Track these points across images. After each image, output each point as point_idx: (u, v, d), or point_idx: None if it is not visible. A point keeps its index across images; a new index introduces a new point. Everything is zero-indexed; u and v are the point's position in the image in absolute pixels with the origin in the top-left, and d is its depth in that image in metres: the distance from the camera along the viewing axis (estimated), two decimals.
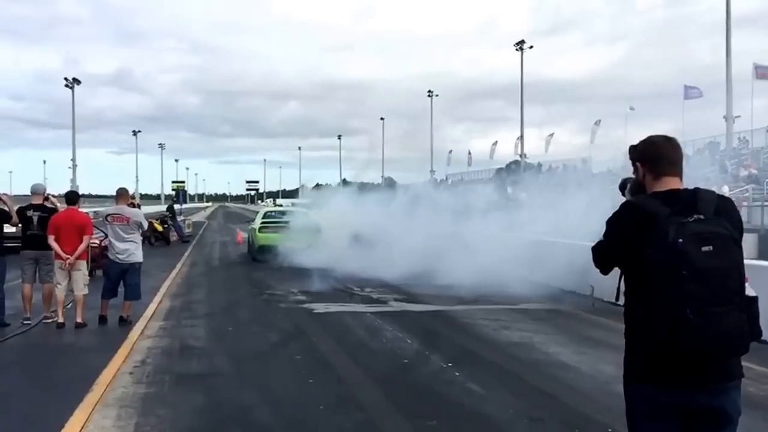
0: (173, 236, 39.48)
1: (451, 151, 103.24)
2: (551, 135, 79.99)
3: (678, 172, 4.35)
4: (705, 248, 3.90)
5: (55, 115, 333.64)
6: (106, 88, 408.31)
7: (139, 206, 23.51)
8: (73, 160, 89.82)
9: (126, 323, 14.13)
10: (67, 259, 13.80)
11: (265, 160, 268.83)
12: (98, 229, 16.94)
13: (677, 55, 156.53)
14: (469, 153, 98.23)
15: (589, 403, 9.14)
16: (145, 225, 15.23)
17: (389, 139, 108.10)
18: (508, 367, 11.00)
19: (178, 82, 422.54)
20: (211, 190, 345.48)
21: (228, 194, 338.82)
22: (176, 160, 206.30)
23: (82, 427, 8.11)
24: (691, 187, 4.27)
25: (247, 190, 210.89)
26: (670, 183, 4.29)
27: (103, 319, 14.28)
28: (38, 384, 10.14)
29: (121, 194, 15.10)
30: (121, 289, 14.57)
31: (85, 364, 11.08)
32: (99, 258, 19.07)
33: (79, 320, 13.83)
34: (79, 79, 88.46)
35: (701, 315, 3.84)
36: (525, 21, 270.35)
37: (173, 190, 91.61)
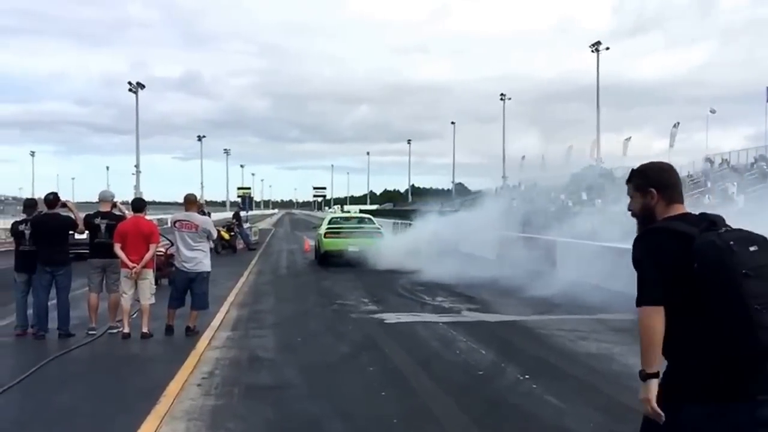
0: (240, 244, 39.46)
1: (524, 157, 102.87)
2: (628, 139, 79.32)
3: (683, 199, 4.60)
4: (752, 248, 4.09)
5: (120, 120, 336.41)
6: (172, 92, 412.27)
7: (209, 214, 23.47)
8: (137, 166, 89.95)
9: (193, 333, 13.92)
10: (134, 267, 13.64)
11: (332, 165, 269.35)
12: (164, 237, 16.78)
13: (761, 57, 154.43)
14: (543, 158, 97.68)
15: None
16: (215, 234, 14.94)
17: (462, 143, 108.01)
18: (588, 380, 10.64)
19: (246, 85, 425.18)
20: (277, 197, 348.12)
21: (294, 201, 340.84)
22: (242, 166, 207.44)
23: None
24: None
25: (314, 196, 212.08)
26: (680, 209, 4.52)
27: (169, 329, 14.06)
28: (104, 396, 9.99)
29: (190, 200, 14.74)
30: (188, 299, 14.36)
31: (151, 375, 10.94)
32: (164, 266, 18.98)
33: (144, 330, 13.70)
34: (146, 83, 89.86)
35: (765, 317, 3.92)
36: (604, 21, 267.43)
37: (239, 196, 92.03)
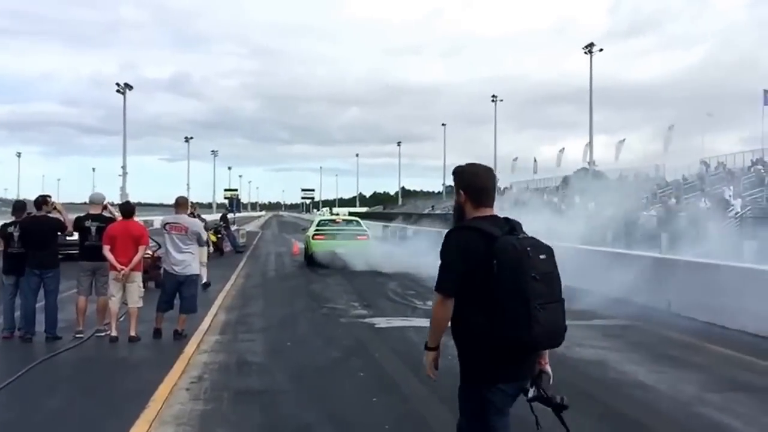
0: (227, 247, 39.30)
1: (516, 159, 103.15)
2: (622, 141, 79.00)
3: (493, 202, 5.28)
4: (542, 256, 4.91)
5: (108, 121, 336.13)
6: (162, 93, 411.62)
7: (199, 216, 23.33)
8: (124, 167, 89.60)
9: (181, 337, 13.82)
10: (122, 270, 13.53)
11: (321, 167, 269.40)
12: (151, 239, 16.67)
13: (758, 59, 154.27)
14: (535, 160, 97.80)
15: (670, 425, 8.83)
16: (204, 237, 14.91)
17: (453, 145, 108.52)
18: (583, 386, 10.45)
19: (235, 87, 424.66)
20: (264, 199, 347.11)
21: (282, 203, 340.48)
22: (229, 168, 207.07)
23: None
24: None
25: (303, 198, 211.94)
26: (488, 210, 5.21)
27: (158, 333, 13.97)
28: (93, 400, 9.91)
29: (181, 203, 14.66)
30: (176, 302, 14.24)
31: (140, 379, 10.81)
32: (151, 269, 18.87)
33: (132, 334, 13.62)
34: (136, 84, 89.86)
35: (545, 309, 4.78)
36: (600, 23, 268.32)
37: (226, 198, 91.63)
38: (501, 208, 5.37)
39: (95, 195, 15.02)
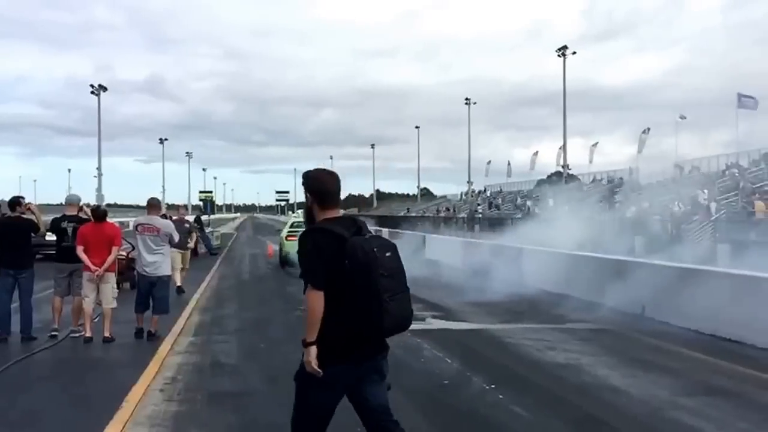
0: (201, 249, 39.16)
1: (489, 162, 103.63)
2: (595, 144, 79.37)
3: (338, 203, 5.86)
4: (387, 254, 5.51)
5: (84, 122, 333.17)
6: (137, 95, 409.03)
7: (170, 217, 23.31)
8: (99, 168, 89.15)
9: (154, 338, 13.89)
10: (96, 271, 13.51)
11: (295, 169, 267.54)
12: (125, 240, 16.64)
13: (733, 63, 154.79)
14: (509, 163, 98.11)
15: (643, 429, 8.86)
16: (176, 237, 14.88)
17: (427, 148, 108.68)
18: (555, 390, 10.56)
19: (210, 88, 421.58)
20: (239, 201, 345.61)
21: (257, 205, 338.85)
22: (204, 170, 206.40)
23: None
24: None
25: (277, 200, 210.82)
26: (334, 212, 5.75)
27: (139, 333, 14.09)
28: (67, 400, 9.95)
29: (153, 205, 14.78)
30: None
31: (114, 380, 10.81)
32: (126, 270, 18.85)
33: (106, 334, 13.65)
34: (111, 86, 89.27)
35: (394, 300, 5.41)
36: (575, 26, 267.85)
37: (201, 200, 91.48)
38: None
39: (71, 196, 15.06)
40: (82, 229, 13.86)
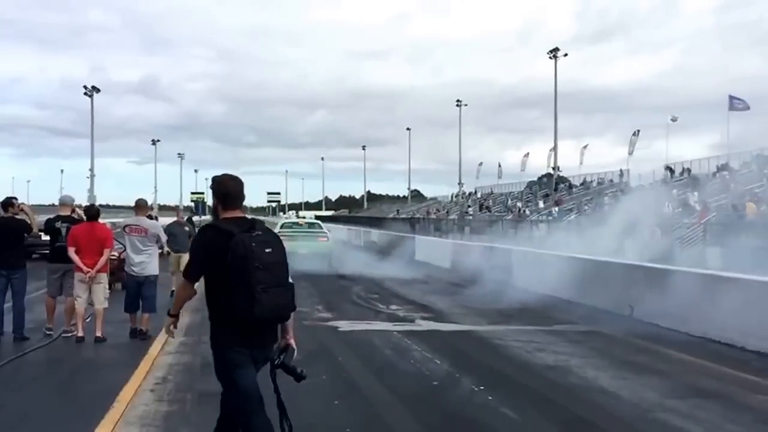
0: None
1: (481, 164, 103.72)
2: (586, 146, 79.39)
3: (239, 205, 6.54)
4: (267, 250, 6.10)
5: (78, 123, 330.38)
6: (132, 96, 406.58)
7: (156, 218, 23.33)
8: (91, 169, 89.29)
9: (146, 336, 14.01)
10: (88, 272, 13.60)
11: (287, 171, 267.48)
12: (117, 241, 16.71)
13: (725, 65, 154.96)
14: (499, 165, 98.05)
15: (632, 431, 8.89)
16: (164, 238, 15.04)
17: (418, 149, 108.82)
18: (544, 392, 10.63)
19: (203, 90, 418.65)
20: None
21: (249, 206, 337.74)
22: (195, 171, 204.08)
23: None
24: None
25: (269, 201, 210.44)
26: (233, 213, 6.45)
27: (134, 333, 14.26)
28: (59, 400, 9.98)
29: (140, 206, 14.95)
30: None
31: (105, 380, 10.84)
32: (117, 270, 18.89)
33: (98, 334, 13.69)
34: (106, 87, 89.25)
35: (267, 293, 5.96)
36: (567, 27, 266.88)
37: (192, 201, 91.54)
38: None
39: (65, 197, 15.15)
40: (74, 229, 13.91)
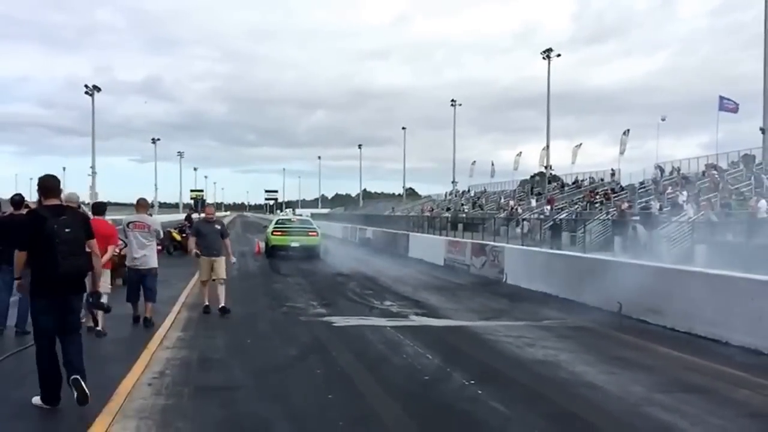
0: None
1: (474, 162, 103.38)
2: (578, 146, 79.21)
3: (57, 195, 9.29)
4: (67, 230, 8.81)
5: (81, 122, 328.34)
6: (135, 95, 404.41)
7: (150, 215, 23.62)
8: (93, 167, 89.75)
9: (150, 324, 14.93)
10: None
11: (284, 169, 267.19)
12: (119, 238, 16.92)
13: (716, 66, 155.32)
14: (492, 164, 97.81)
15: (618, 426, 9.03)
16: (162, 233, 15.74)
17: (414, 149, 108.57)
18: (534, 386, 10.79)
19: (207, 90, 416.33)
20: (229, 199, 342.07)
21: (246, 203, 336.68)
22: (195, 169, 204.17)
23: None
24: None
25: (266, 199, 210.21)
26: (51, 201, 9.10)
27: (137, 320, 15.40)
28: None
29: (142, 204, 16.13)
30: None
31: (103, 373, 10.86)
32: (119, 267, 19.06)
33: (98, 328, 13.83)
34: (110, 87, 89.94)
35: (66, 260, 8.72)
36: (564, 29, 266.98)
37: (192, 198, 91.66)
38: None
39: (71, 194, 15.17)
40: None
